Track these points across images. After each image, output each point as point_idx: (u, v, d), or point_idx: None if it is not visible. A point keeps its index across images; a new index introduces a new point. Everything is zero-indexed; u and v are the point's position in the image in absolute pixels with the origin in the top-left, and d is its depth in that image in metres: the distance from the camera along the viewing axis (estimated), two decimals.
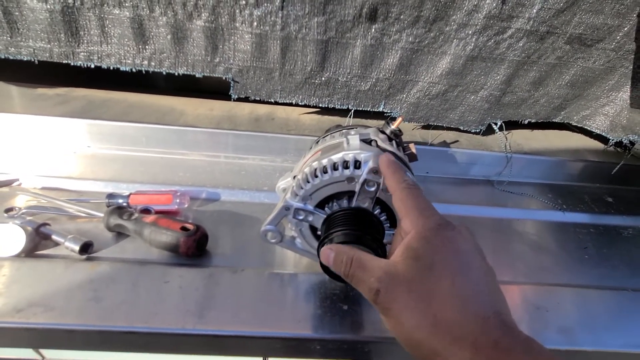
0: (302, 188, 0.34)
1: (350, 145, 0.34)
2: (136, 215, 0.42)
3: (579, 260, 0.49)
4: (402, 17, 0.49)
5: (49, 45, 0.47)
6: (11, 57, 0.48)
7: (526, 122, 0.63)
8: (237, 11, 0.46)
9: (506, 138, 0.63)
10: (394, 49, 0.52)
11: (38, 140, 0.55)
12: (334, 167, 0.33)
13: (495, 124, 0.61)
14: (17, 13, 0.44)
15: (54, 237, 0.40)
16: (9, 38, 0.46)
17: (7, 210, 0.44)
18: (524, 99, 0.59)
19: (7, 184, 0.48)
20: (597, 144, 0.69)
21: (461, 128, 0.61)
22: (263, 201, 0.52)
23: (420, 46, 0.52)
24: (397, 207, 0.29)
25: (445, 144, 0.62)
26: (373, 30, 0.50)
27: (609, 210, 0.59)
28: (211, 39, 0.48)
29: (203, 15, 0.46)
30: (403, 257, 0.26)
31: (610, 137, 0.61)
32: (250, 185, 0.54)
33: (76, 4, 0.44)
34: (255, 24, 0.47)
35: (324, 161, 0.33)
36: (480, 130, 0.62)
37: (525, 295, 0.42)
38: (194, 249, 0.40)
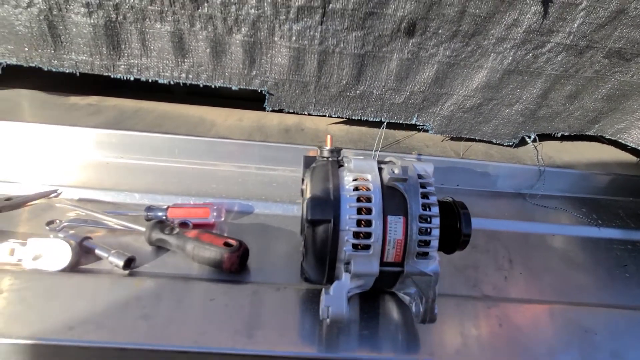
0: None
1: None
2: (177, 229, 0.42)
3: (620, 279, 0.49)
4: (440, 31, 0.48)
5: (90, 58, 0.47)
6: (54, 70, 0.48)
7: (559, 135, 0.62)
8: (277, 25, 0.46)
9: (537, 150, 0.62)
10: (430, 62, 0.51)
11: (73, 151, 0.56)
12: None
13: (529, 137, 0.61)
14: (61, 27, 0.45)
15: (97, 251, 0.41)
16: (52, 51, 0.46)
17: (49, 223, 0.44)
18: (559, 112, 0.58)
19: (45, 195, 0.49)
20: (630, 157, 0.68)
21: (494, 141, 0.61)
22: (296, 214, 0.52)
23: (456, 60, 0.51)
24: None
25: (476, 156, 0.61)
26: (410, 44, 0.50)
27: None
28: (249, 52, 0.49)
29: (243, 29, 0.46)
30: None
31: None
32: (282, 198, 0.54)
33: (119, 19, 0.45)
34: (294, 38, 0.47)
35: None
36: (513, 143, 0.61)
37: (568, 316, 0.41)
38: (237, 265, 0.40)
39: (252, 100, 0.63)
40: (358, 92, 0.53)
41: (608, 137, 0.63)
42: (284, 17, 0.46)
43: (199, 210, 0.47)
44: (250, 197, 0.53)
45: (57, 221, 0.44)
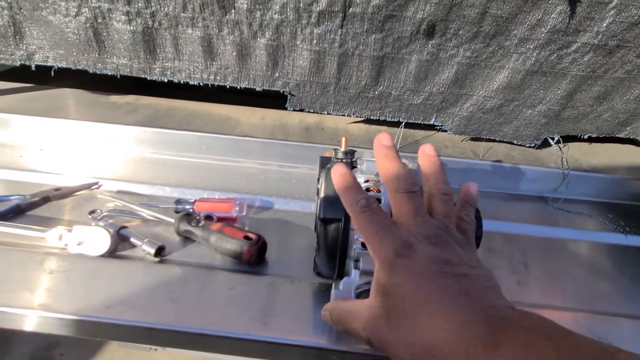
0: None
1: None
2: (203, 222, 0.46)
3: None
4: (460, 32, 0.49)
5: (130, 62, 0.52)
6: (98, 72, 0.53)
7: (586, 136, 0.60)
8: (299, 29, 0.48)
9: (562, 152, 0.60)
10: (450, 63, 0.52)
11: (113, 147, 0.61)
12: None
13: (552, 138, 0.59)
14: (104, 33, 0.49)
15: (132, 239, 0.45)
16: (97, 55, 0.51)
17: (91, 212, 0.49)
18: (586, 113, 0.57)
19: (88, 186, 0.54)
20: None
21: (515, 142, 0.60)
22: (313, 211, 0.54)
23: (477, 60, 0.51)
24: (358, 233, 0.29)
25: (497, 158, 0.60)
26: (430, 45, 0.50)
27: None
28: (272, 55, 0.51)
29: (267, 34, 0.49)
30: (376, 294, 0.27)
31: None
32: (301, 195, 0.56)
33: (155, 25, 0.49)
34: (314, 41, 0.49)
35: None
36: (535, 144, 0.60)
37: (586, 324, 0.41)
38: (255, 257, 0.43)
39: (272, 97, 0.65)
40: (377, 92, 0.55)
41: None
42: (305, 21, 0.47)
43: (223, 205, 0.50)
44: (270, 193, 0.56)
45: (98, 211, 0.49)
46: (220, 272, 0.42)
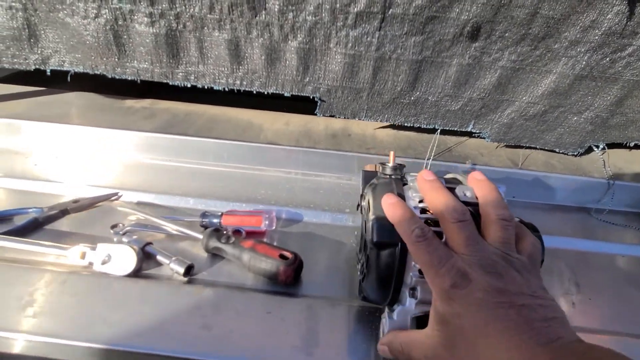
0: None
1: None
2: (233, 239, 0.43)
3: None
4: (507, 34, 0.45)
5: (151, 66, 0.49)
6: (117, 77, 0.50)
7: (632, 144, 0.57)
8: (334, 32, 0.45)
9: (604, 161, 0.57)
10: (493, 67, 0.48)
11: (131, 154, 0.58)
12: None
13: (597, 146, 0.56)
14: (125, 36, 0.46)
15: (158, 257, 0.42)
16: (116, 59, 0.48)
17: (113, 227, 0.46)
18: (635, 120, 0.53)
19: (108, 198, 0.51)
20: None
21: (557, 150, 0.57)
22: (346, 224, 0.51)
23: (522, 64, 0.48)
24: (415, 263, 0.29)
25: (536, 166, 0.57)
26: (472, 48, 0.47)
27: None
28: (304, 59, 0.48)
29: (299, 36, 0.46)
30: (435, 324, 0.27)
31: None
32: (330, 206, 0.53)
33: (179, 27, 0.46)
34: (350, 44, 0.46)
35: None
36: (579, 152, 0.57)
37: None
38: (292, 277, 0.40)
39: (298, 100, 0.62)
40: (412, 98, 0.51)
41: None
42: (341, 23, 0.44)
43: (252, 219, 0.47)
44: (298, 205, 0.53)
45: (120, 225, 0.46)
46: (254, 294, 0.40)
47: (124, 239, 0.43)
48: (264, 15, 0.44)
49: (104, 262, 0.40)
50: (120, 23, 0.45)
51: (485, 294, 0.25)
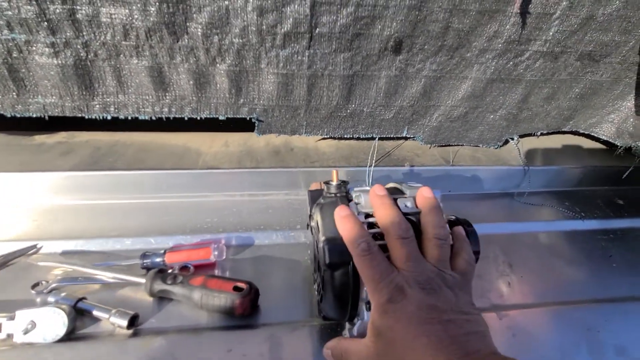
0: None
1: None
2: (181, 277, 0.40)
3: (609, 271, 0.52)
4: (426, 47, 0.49)
5: (60, 100, 0.43)
6: (18, 115, 0.44)
7: (538, 134, 0.65)
8: (263, 53, 0.44)
9: (519, 150, 0.64)
10: (418, 77, 0.52)
11: (49, 199, 0.51)
12: None
13: (512, 139, 0.63)
14: (23, 70, 0.41)
15: (95, 312, 0.38)
16: (15, 96, 0.42)
17: (34, 286, 0.40)
18: (538, 113, 0.61)
19: (24, 252, 0.44)
20: (602, 148, 0.72)
21: (480, 145, 0.63)
22: (298, 241, 0.51)
23: (442, 73, 0.52)
24: (360, 275, 0.30)
25: (464, 161, 0.63)
26: (397, 61, 0.49)
27: (622, 214, 0.62)
28: (235, 81, 0.46)
29: (227, 59, 0.44)
30: (371, 335, 0.28)
31: (618, 144, 0.64)
32: (281, 225, 0.53)
33: (90, 56, 0.41)
34: (281, 64, 0.46)
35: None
36: (498, 146, 0.63)
37: (571, 315, 0.43)
38: (249, 309, 0.38)
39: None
40: (349, 111, 0.53)
41: (582, 131, 0.67)
42: (270, 44, 0.44)
43: (199, 252, 0.45)
44: (248, 228, 0.52)
45: (43, 282, 0.41)
46: (210, 333, 0.37)
47: (50, 299, 0.38)
48: (186, 40, 0.42)
49: (26, 332, 0.35)
50: (15, 55, 0.40)
51: (417, 309, 0.27)
